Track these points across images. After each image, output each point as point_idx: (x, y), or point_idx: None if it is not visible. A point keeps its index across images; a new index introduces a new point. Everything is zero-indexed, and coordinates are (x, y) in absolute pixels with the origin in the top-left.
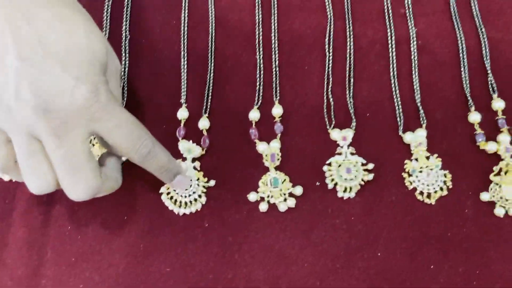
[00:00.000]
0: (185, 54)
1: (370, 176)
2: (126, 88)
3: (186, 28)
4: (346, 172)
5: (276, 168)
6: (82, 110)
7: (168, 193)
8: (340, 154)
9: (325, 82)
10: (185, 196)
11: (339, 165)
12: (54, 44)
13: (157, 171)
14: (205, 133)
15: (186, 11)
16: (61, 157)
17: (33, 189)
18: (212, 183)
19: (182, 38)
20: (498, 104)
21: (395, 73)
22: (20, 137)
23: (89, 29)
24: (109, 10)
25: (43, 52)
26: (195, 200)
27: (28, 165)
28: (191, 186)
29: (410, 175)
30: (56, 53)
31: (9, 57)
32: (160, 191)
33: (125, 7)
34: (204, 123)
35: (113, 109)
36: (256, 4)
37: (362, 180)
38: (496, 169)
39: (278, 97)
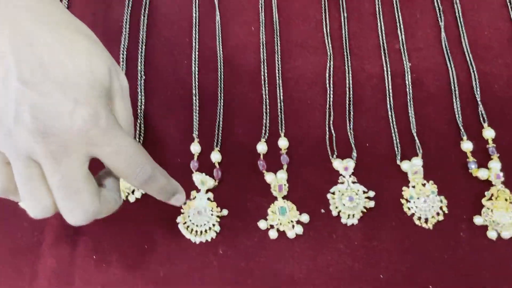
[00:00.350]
0: (197, 92)
1: (371, 203)
2: (142, 125)
3: (197, 68)
4: (349, 200)
5: (284, 197)
6: (81, 134)
7: (184, 223)
8: (342, 183)
9: (327, 115)
10: (200, 225)
11: (342, 194)
12: (54, 67)
13: (155, 193)
14: (217, 165)
15: (197, 52)
16: (59, 181)
17: (32, 213)
18: (225, 212)
19: (193, 77)
20: (488, 133)
21: (392, 105)
22: (18, 160)
23: (91, 51)
24: (125, 52)
25: (43, 75)
26: (210, 229)
27: (26, 189)
28: (203, 217)
29: (408, 202)
30: (56, 76)
31: (10, 79)
32: (177, 221)
33: (140, 49)
34: (216, 156)
35: (113, 133)
36: (261, 44)
37: (364, 207)
38: (488, 194)
39: (283, 130)
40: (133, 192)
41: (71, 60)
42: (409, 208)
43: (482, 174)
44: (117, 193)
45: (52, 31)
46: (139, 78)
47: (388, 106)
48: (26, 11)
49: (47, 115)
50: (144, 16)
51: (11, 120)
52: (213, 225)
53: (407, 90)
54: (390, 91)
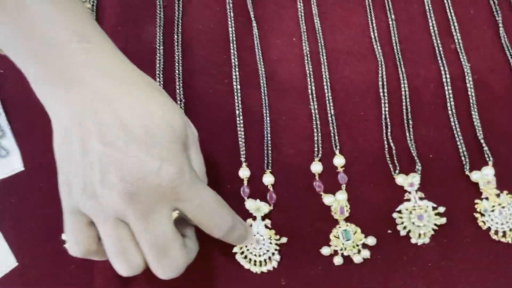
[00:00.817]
0: (240, 112)
1: (443, 220)
2: None
3: (238, 86)
4: (418, 218)
5: (346, 220)
6: (168, 191)
7: (242, 253)
8: (409, 200)
9: (383, 127)
10: (259, 255)
11: (410, 212)
12: (136, 126)
13: (233, 241)
14: (270, 188)
15: (237, 69)
16: (150, 241)
17: (121, 272)
18: (284, 240)
19: (235, 96)
20: None
21: (454, 111)
22: (107, 222)
23: (166, 106)
24: (162, 75)
25: (125, 135)
26: (269, 258)
27: (116, 250)
28: (262, 245)
29: (482, 215)
30: (138, 136)
31: (92, 142)
32: (233, 251)
33: (176, 70)
34: (269, 179)
35: (197, 188)
36: (305, 55)
37: (435, 224)
38: None
39: (338, 147)
40: None
41: (151, 118)
42: (484, 222)
43: None
44: (194, 239)
45: (128, 90)
46: (178, 101)
47: (450, 112)
48: (101, 72)
49: (135, 176)
50: (177, 35)
51: (97, 183)
52: (273, 254)
53: (469, 93)
54: (451, 95)
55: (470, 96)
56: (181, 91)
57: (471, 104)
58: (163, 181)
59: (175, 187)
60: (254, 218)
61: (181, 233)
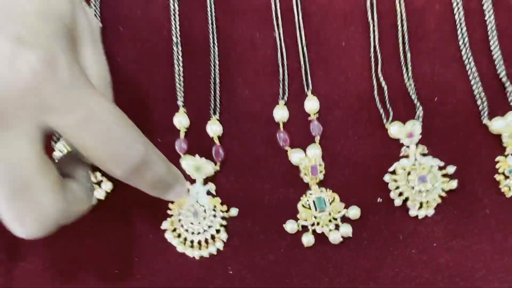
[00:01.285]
0: (179, 40)
1: (453, 184)
2: None
3: (176, 5)
4: (419, 182)
5: (319, 184)
6: (29, 92)
7: (174, 230)
8: (406, 156)
9: (372, 61)
10: (198, 233)
11: (408, 172)
12: None
13: (148, 186)
14: (217, 141)
15: None
16: None
17: None
18: (234, 212)
19: (173, 20)
20: None
21: (466, 40)
22: None
23: None
24: None
25: None
26: (213, 237)
27: None
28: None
29: (507, 177)
30: None
31: None
32: (162, 227)
33: None
34: (214, 128)
35: (81, 93)
36: None
37: (442, 189)
38: None
39: (310, 87)
40: (99, 184)
41: None
42: (509, 187)
43: None
44: (86, 185)
45: None
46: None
47: (461, 41)
48: None
49: None
50: None
51: None
52: (217, 231)
53: (487, 17)
54: (462, 19)
55: (488, 21)
56: (98, 13)
57: (489, 30)
58: (19, 76)
59: (40, 86)
60: (193, 182)
61: (66, 172)
